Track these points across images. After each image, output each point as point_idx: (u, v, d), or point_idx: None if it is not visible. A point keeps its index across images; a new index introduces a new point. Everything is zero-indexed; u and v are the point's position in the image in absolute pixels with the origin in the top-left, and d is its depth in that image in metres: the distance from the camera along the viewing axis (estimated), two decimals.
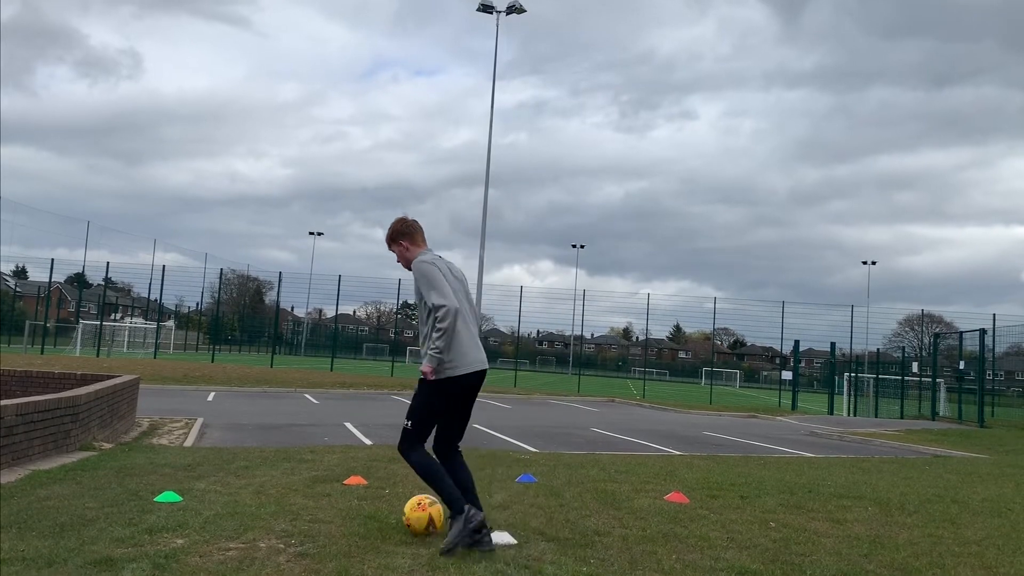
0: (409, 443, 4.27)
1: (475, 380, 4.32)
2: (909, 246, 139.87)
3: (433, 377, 4.19)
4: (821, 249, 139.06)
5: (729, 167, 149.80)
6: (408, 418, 4.29)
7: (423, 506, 4.45)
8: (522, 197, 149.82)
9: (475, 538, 4.06)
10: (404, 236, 4.52)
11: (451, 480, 4.19)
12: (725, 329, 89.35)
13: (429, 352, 4.17)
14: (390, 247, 4.57)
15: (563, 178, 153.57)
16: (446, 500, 4.16)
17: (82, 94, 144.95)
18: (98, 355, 34.24)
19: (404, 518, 4.47)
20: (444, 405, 4.30)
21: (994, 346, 28.44)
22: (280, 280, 39.00)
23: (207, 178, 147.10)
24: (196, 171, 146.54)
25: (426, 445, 4.35)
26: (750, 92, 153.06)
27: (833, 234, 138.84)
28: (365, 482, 6.22)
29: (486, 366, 4.37)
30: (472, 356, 4.27)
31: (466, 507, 4.07)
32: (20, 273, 60.22)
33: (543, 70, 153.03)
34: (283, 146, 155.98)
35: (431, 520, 4.42)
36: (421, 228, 4.58)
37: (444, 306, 4.12)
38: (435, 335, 4.14)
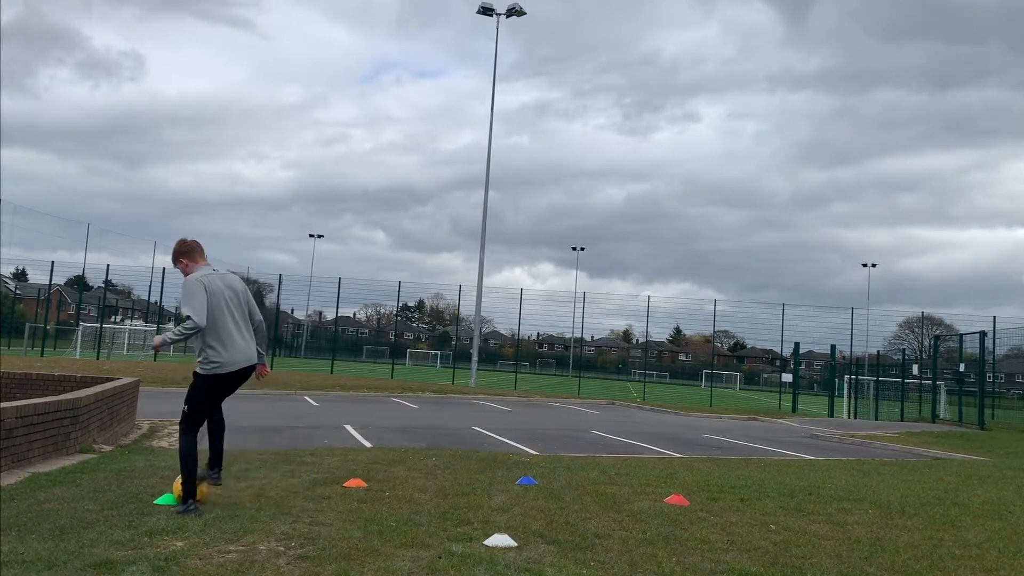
0: (186, 424, 5.20)
1: (235, 378, 5.27)
2: (911, 248, 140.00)
3: (159, 348, 5.31)
4: (822, 251, 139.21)
5: (731, 169, 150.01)
6: (185, 403, 5.24)
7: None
8: (523, 200, 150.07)
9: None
10: (184, 255, 5.35)
11: (197, 473, 5.07)
12: (725, 331, 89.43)
13: (167, 335, 5.18)
14: (174, 265, 5.38)
15: (564, 180, 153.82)
16: (184, 484, 5.00)
17: (83, 96, 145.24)
18: (98, 357, 34.25)
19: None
20: (212, 394, 5.31)
21: (994, 348, 28.44)
22: (280, 282, 38.97)
23: (208, 180, 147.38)
24: (197, 173, 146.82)
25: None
26: (753, 94, 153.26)
27: (835, 236, 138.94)
28: (365, 484, 6.21)
29: (250, 363, 5.30)
30: (236, 358, 5.19)
31: (190, 501, 4.95)
32: (20, 275, 60.25)
33: (546, 72, 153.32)
34: (284, 148, 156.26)
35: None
36: (200, 247, 5.44)
37: (190, 319, 5.00)
38: (175, 332, 5.12)
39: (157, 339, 5.27)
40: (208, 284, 5.17)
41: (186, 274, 5.28)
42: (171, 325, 53.88)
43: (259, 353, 5.46)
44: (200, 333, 5.09)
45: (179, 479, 5.09)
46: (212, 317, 5.11)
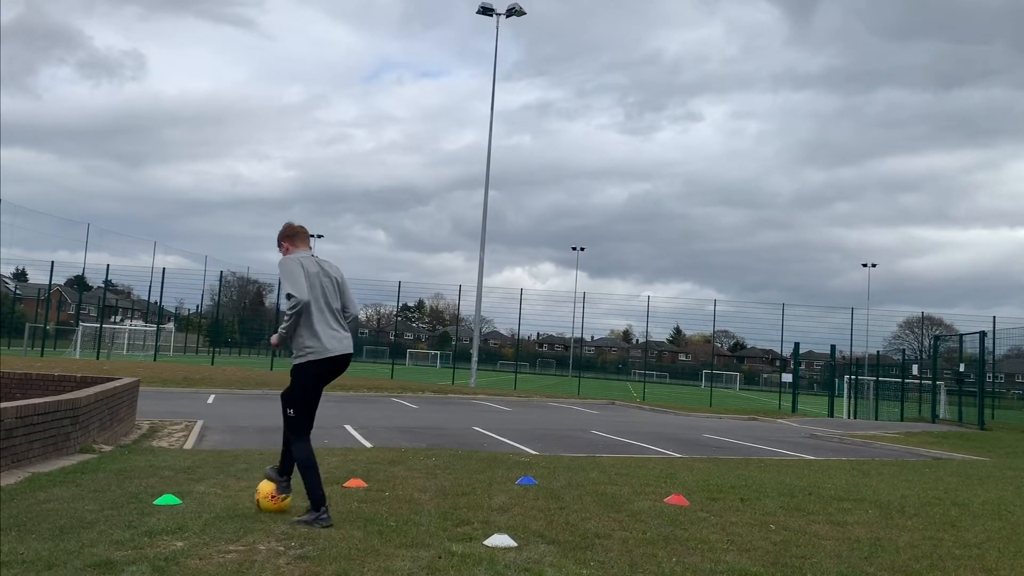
0: (294, 430, 4.84)
1: (334, 366, 4.89)
2: (913, 248, 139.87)
3: (278, 345, 4.89)
4: (824, 252, 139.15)
5: (733, 169, 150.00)
6: (288, 406, 4.85)
7: (276, 500, 4.96)
8: (524, 199, 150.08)
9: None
10: (287, 238, 5.14)
11: (320, 478, 4.78)
12: (725, 331, 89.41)
13: (280, 328, 4.85)
14: (278, 247, 5.17)
15: (565, 180, 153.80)
16: (311, 495, 4.69)
17: (84, 96, 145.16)
18: (98, 357, 34.23)
19: (258, 496, 4.98)
20: (312, 386, 4.89)
21: (994, 348, 28.38)
22: (280, 283, 38.98)
23: (209, 180, 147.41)
24: (198, 173, 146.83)
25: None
26: (757, 94, 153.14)
27: (836, 236, 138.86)
28: (365, 485, 6.21)
29: (343, 352, 4.90)
30: (330, 345, 4.84)
31: (323, 508, 4.67)
32: (20, 275, 60.28)
33: (549, 71, 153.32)
34: (286, 148, 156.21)
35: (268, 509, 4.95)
36: (305, 233, 5.22)
37: (293, 296, 4.74)
38: (284, 318, 4.82)
39: (274, 337, 4.95)
40: (305, 265, 4.91)
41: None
42: (170, 326, 53.99)
43: None
44: (295, 321, 4.79)
45: (261, 491, 4.94)
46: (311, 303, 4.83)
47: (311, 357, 4.78)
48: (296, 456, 4.80)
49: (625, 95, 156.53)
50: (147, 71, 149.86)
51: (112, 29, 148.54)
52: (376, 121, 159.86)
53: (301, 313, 4.77)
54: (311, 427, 4.91)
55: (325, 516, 4.66)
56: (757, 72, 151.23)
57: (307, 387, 4.86)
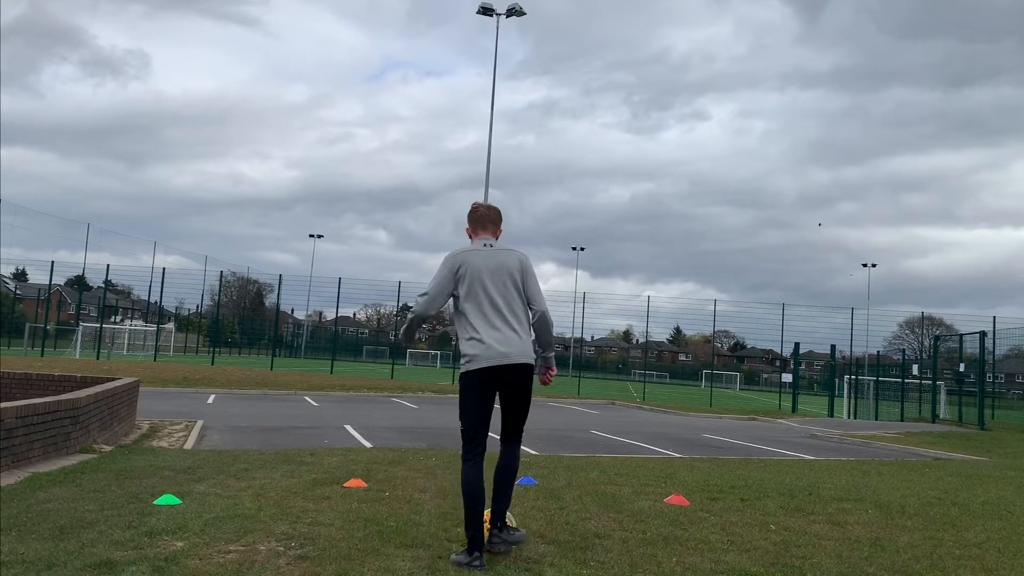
0: (465, 447, 4.26)
1: (501, 375, 4.14)
2: (916, 248, 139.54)
3: (405, 342, 4.38)
4: (826, 252, 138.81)
5: (738, 169, 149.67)
6: (460, 417, 4.29)
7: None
8: (527, 199, 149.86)
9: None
10: (469, 222, 4.50)
11: (481, 510, 4.11)
12: (725, 332, 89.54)
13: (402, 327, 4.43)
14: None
15: (568, 180, 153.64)
16: (467, 526, 4.08)
17: (86, 95, 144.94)
18: (98, 358, 34.22)
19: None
20: (474, 398, 4.18)
21: (994, 348, 28.38)
22: (280, 283, 38.95)
23: (210, 180, 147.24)
24: (199, 173, 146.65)
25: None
26: (764, 93, 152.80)
27: (839, 236, 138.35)
28: (365, 485, 6.21)
29: (510, 360, 4.11)
30: (494, 351, 4.10)
31: (475, 553, 3.94)
32: (20, 275, 60.32)
33: (555, 70, 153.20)
34: (288, 148, 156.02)
35: None
36: (487, 215, 4.44)
37: (419, 300, 4.30)
38: (408, 318, 4.40)
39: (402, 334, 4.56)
40: (465, 260, 4.27)
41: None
42: (171, 326, 54.02)
43: (535, 351, 4.33)
44: (456, 324, 4.21)
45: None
46: (467, 301, 4.19)
47: (467, 366, 4.15)
48: (462, 479, 4.22)
49: (631, 94, 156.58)
50: (151, 70, 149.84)
51: (116, 28, 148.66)
52: (380, 120, 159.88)
53: (416, 319, 4.36)
54: (482, 449, 4.28)
55: (478, 563, 3.89)
56: (765, 71, 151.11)
57: (468, 399, 4.20)
